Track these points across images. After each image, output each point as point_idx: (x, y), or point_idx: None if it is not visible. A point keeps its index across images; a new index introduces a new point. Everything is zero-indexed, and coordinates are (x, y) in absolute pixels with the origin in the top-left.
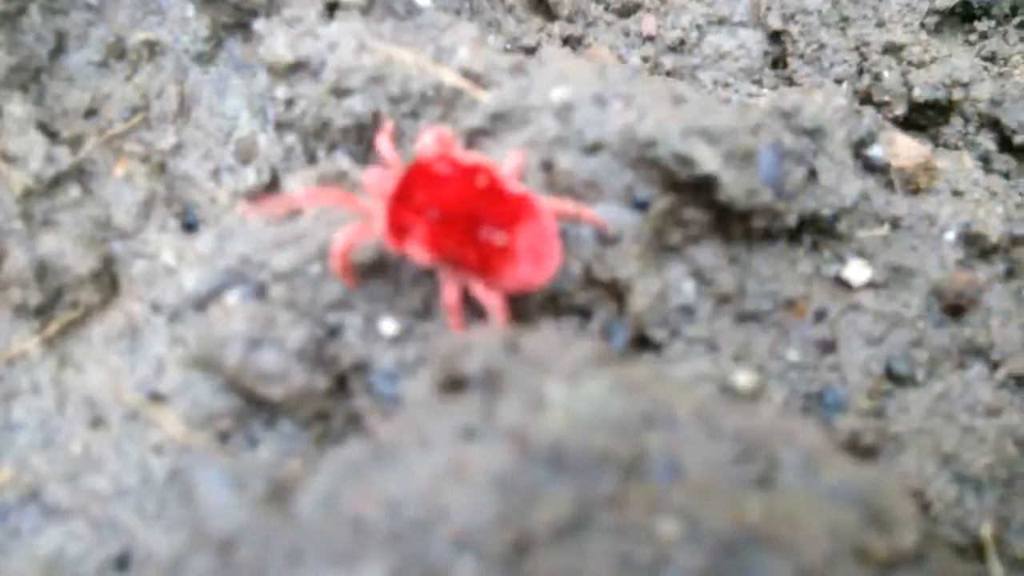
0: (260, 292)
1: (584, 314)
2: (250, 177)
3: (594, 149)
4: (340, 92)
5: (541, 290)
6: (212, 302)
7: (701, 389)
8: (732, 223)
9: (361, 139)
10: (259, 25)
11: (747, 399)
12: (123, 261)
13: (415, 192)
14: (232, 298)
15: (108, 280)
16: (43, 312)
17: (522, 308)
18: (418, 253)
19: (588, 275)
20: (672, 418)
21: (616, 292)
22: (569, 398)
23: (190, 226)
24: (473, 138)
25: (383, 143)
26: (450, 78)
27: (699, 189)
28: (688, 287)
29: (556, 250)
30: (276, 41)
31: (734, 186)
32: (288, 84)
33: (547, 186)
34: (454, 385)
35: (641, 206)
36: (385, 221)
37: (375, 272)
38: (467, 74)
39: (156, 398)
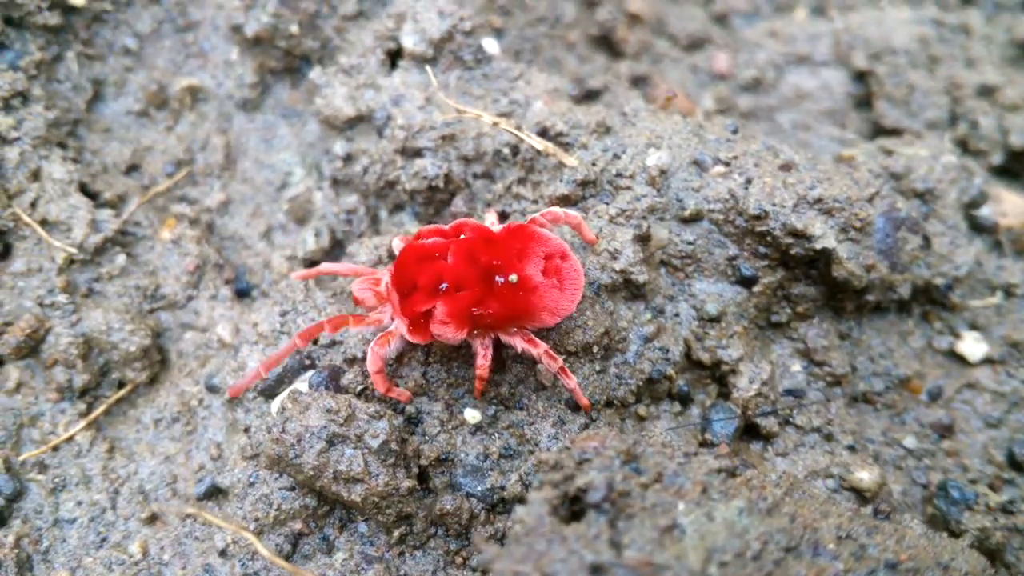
0: (334, 378)
1: (683, 400)
2: (308, 240)
3: (694, 219)
4: (409, 152)
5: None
6: (281, 389)
7: (823, 486)
8: (844, 298)
9: (431, 201)
10: (315, 75)
11: (869, 496)
12: (172, 334)
13: (417, 275)
14: (302, 384)
15: (157, 355)
16: (88, 392)
17: (616, 396)
18: (448, 333)
19: (688, 356)
20: (816, 544)
21: (719, 374)
22: (702, 524)
23: (242, 293)
24: (559, 206)
25: (327, 267)
26: (532, 140)
27: (811, 263)
28: (797, 368)
29: (575, 269)
30: (335, 93)
31: (851, 261)
32: (347, 139)
33: (643, 260)
34: (571, 501)
35: (746, 281)
36: (403, 322)
37: (455, 356)
38: (546, 132)
39: (217, 492)
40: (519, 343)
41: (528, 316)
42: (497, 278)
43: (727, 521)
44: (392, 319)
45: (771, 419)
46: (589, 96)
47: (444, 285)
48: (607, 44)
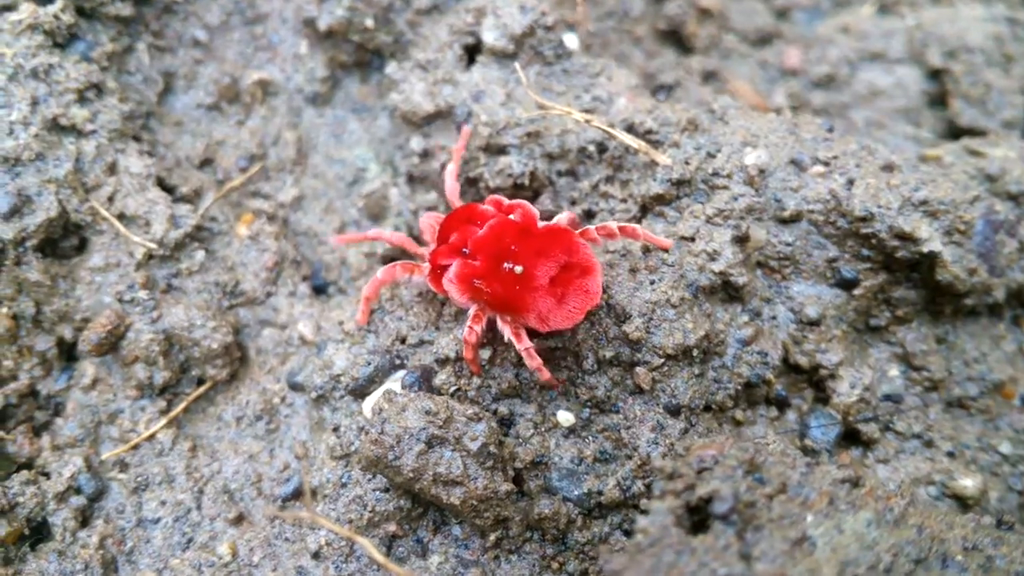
0: (427, 378)
1: (780, 404)
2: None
3: (793, 220)
4: (493, 149)
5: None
6: (372, 389)
7: (925, 493)
8: (943, 302)
9: (513, 198)
10: (391, 70)
11: (971, 503)
12: (250, 330)
13: (455, 231)
14: (395, 385)
15: (237, 352)
16: (167, 388)
17: (715, 401)
18: (452, 292)
19: (785, 360)
20: (944, 556)
21: (816, 379)
22: (832, 536)
23: (319, 289)
24: (651, 206)
25: (451, 173)
26: (624, 137)
27: (914, 266)
28: (895, 373)
29: (588, 289)
30: (412, 88)
31: (955, 265)
32: (423, 135)
33: (742, 262)
34: (693, 512)
35: (846, 284)
36: (427, 265)
37: (548, 358)
38: (634, 129)
39: (306, 493)
40: (507, 332)
41: (518, 312)
42: (506, 263)
43: (856, 533)
44: (425, 260)
45: (872, 425)
46: (660, 91)
47: (466, 250)
48: (675, 38)
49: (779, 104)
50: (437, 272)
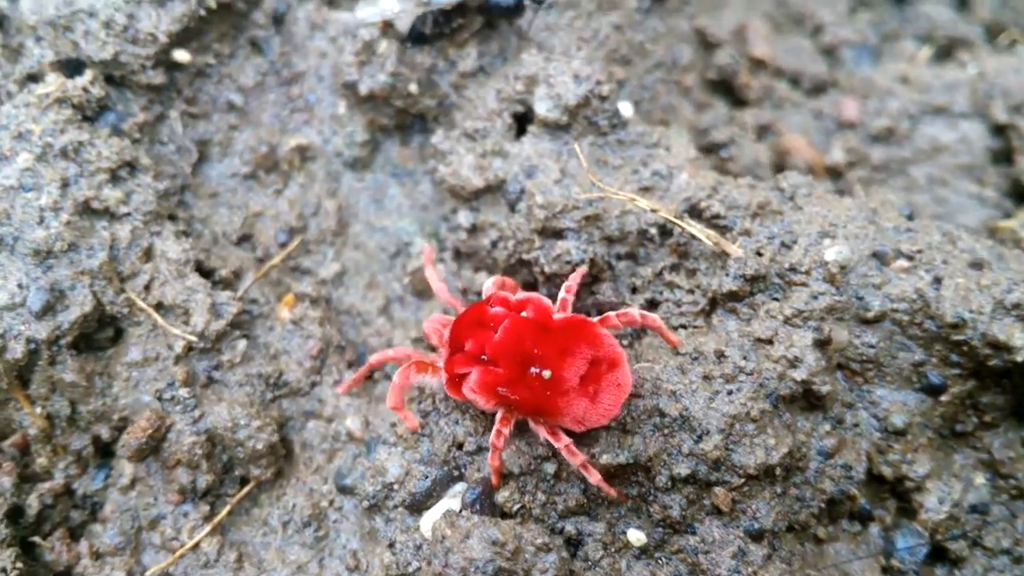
0: (488, 494)
1: (863, 519)
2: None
3: (876, 320)
4: (549, 232)
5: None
6: (429, 503)
7: None
8: None
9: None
10: (437, 139)
11: None
12: (294, 423)
13: (467, 337)
14: (454, 502)
15: (282, 449)
16: (210, 491)
17: (797, 520)
18: (476, 400)
19: (869, 471)
20: None
21: (900, 490)
22: None
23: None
24: (723, 301)
25: (431, 275)
26: (694, 229)
27: (1005, 374)
28: (980, 480)
29: (620, 382)
30: (461, 161)
31: None
32: (471, 208)
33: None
34: None
35: (932, 390)
36: (444, 375)
37: (615, 475)
38: (700, 212)
39: None
40: (542, 432)
41: (551, 416)
42: (532, 368)
43: None
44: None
45: (961, 543)
46: (712, 150)
47: (484, 356)
48: (725, 88)
49: (837, 160)
50: (455, 380)
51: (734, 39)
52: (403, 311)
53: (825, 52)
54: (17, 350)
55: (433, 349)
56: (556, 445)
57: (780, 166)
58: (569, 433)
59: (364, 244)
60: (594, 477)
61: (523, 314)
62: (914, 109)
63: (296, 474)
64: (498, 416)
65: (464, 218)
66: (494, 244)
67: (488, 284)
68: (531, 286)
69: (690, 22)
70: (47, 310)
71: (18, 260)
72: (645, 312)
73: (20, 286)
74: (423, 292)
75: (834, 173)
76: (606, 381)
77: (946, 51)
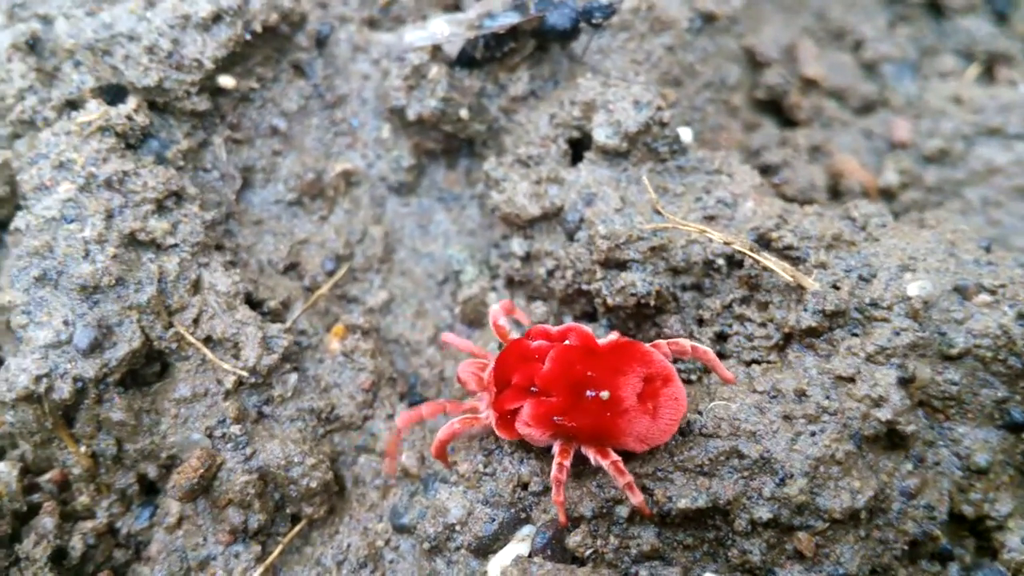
0: (558, 539)
1: (943, 559)
2: (492, 350)
3: (959, 357)
4: (612, 263)
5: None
6: (496, 547)
7: None
8: None
9: (633, 316)
10: (490, 166)
11: None
12: (347, 457)
13: (513, 372)
14: (523, 546)
15: (335, 486)
16: (262, 530)
17: (880, 563)
18: (531, 434)
19: (951, 511)
20: None
21: (980, 529)
22: None
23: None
24: (800, 337)
25: (451, 337)
26: (770, 262)
27: None
28: None
29: (676, 397)
30: (515, 188)
31: None
32: (525, 236)
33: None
34: None
35: (1015, 427)
36: (492, 415)
37: (692, 519)
38: (769, 243)
39: None
40: (591, 455)
41: (612, 438)
42: (588, 392)
43: None
44: (486, 408)
45: None
46: (765, 171)
47: (534, 388)
48: (774, 107)
49: (890, 182)
50: (506, 418)
51: (784, 58)
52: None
53: (866, 67)
54: (64, 390)
55: (464, 396)
56: (604, 462)
57: (834, 188)
58: (625, 457)
59: (411, 271)
60: (637, 498)
61: (566, 342)
62: (968, 130)
63: (349, 511)
64: (556, 449)
65: (518, 246)
66: (550, 273)
67: (495, 307)
68: (590, 316)
69: (738, 41)
70: (94, 347)
71: (63, 295)
72: (697, 344)
73: (66, 323)
74: (474, 320)
75: (887, 195)
76: (663, 396)
77: (987, 68)
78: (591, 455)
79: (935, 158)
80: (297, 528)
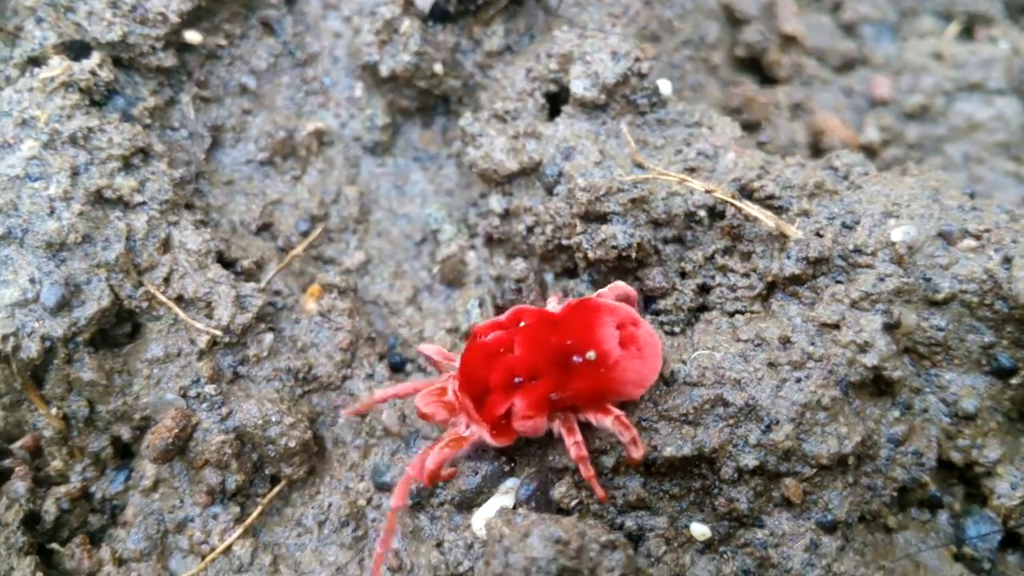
0: (543, 490)
1: (932, 506)
2: (473, 312)
3: (945, 302)
4: (592, 216)
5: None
6: (480, 500)
7: None
8: None
9: (615, 268)
10: (466, 122)
11: None
12: (326, 418)
13: (487, 376)
14: (507, 498)
15: (315, 446)
16: (240, 491)
17: (869, 510)
18: (530, 426)
19: (939, 458)
20: None
21: (969, 476)
22: None
23: (396, 367)
24: (784, 285)
25: (427, 350)
26: (755, 211)
27: None
28: None
29: (650, 333)
30: (492, 144)
31: None
32: (503, 193)
33: (895, 354)
34: None
35: (1002, 372)
36: (483, 428)
37: (678, 468)
38: (751, 193)
39: None
40: (591, 417)
41: (612, 392)
42: (574, 358)
43: None
44: (467, 426)
45: None
46: (746, 129)
47: (518, 379)
48: (754, 65)
49: (871, 139)
50: (501, 424)
51: (763, 15)
52: (433, 300)
53: (845, 28)
54: (32, 348)
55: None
56: (607, 420)
57: (816, 146)
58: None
59: (388, 232)
60: (639, 451)
61: (521, 324)
62: (949, 86)
63: (330, 472)
64: (562, 431)
65: (496, 203)
66: (530, 229)
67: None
68: (571, 273)
69: None
70: (62, 306)
71: (28, 254)
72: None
73: (32, 281)
74: (453, 280)
75: (869, 151)
76: (641, 337)
77: (967, 27)
78: (592, 419)
79: (916, 115)
80: (276, 489)
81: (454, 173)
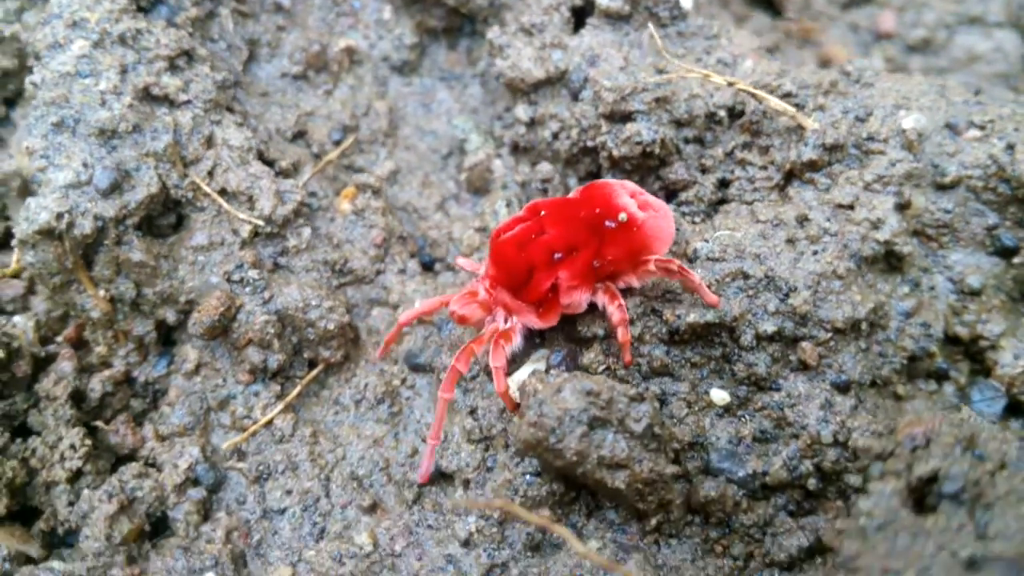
0: (572, 357)
1: (939, 377)
2: (500, 211)
3: (952, 186)
4: (617, 116)
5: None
6: (512, 370)
7: None
8: None
9: (639, 167)
10: (494, 34)
11: None
12: (360, 310)
13: (525, 262)
14: (539, 365)
15: (351, 332)
16: (280, 372)
17: (880, 375)
18: (577, 297)
19: (946, 334)
20: None
21: (973, 351)
22: None
23: (426, 266)
24: (800, 173)
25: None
26: (771, 99)
27: None
28: None
29: (658, 199)
30: (519, 54)
31: None
32: (529, 102)
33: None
34: (913, 491)
35: (1005, 252)
36: (528, 311)
37: (699, 336)
38: (771, 92)
39: (441, 478)
40: (632, 280)
41: (645, 249)
42: (606, 223)
43: None
44: (506, 319)
45: None
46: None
47: (558, 255)
48: (765, 2)
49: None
50: (545, 302)
51: None
52: (460, 208)
53: None
54: (85, 226)
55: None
56: (650, 267)
57: None
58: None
59: (415, 146)
60: (698, 281)
61: (541, 213)
62: (950, 20)
63: (365, 357)
64: (605, 298)
65: (523, 112)
66: (555, 135)
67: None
68: (594, 175)
69: None
70: (113, 188)
71: (81, 141)
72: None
73: (85, 165)
74: (480, 188)
75: None
76: (651, 201)
77: None
78: (634, 280)
79: (919, 47)
80: (316, 371)
81: (479, 92)
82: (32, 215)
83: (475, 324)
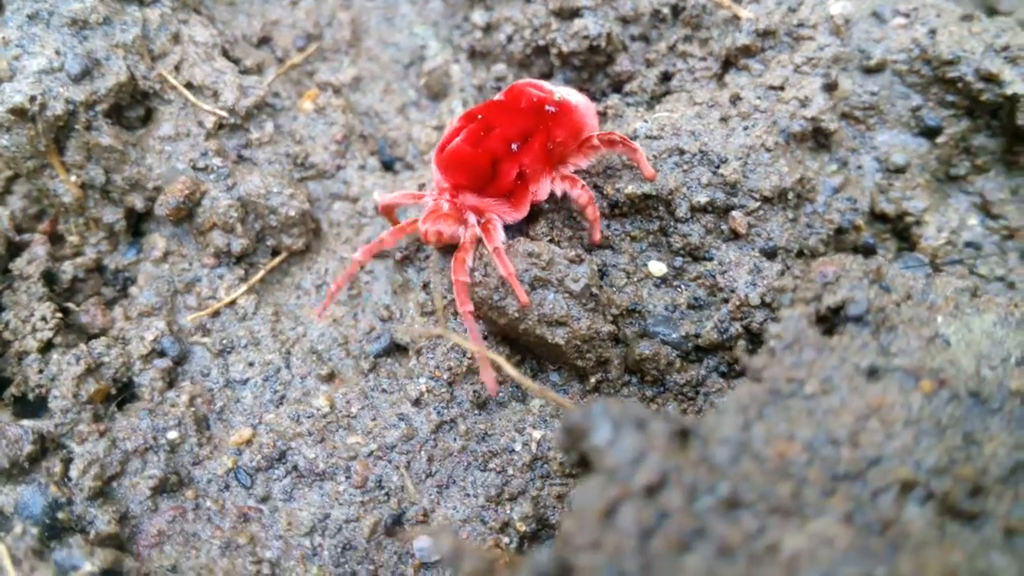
0: (520, 228)
1: (867, 252)
2: (457, 110)
3: (877, 69)
4: (566, 13)
5: None
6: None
7: None
8: (1020, 151)
9: (587, 64)
10: None
11: None
12: (322, 204)
13: (486, 158)
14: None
15: (312, 222)
16: (243, 259)
17: (807, 246)
18: (542, 182)
19: (872, 211)
20: None
21: (900, 227)
22: (964, 334)
23: (387, 165)
24: (736, 59)
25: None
26: None
27: (994, 113)
28: (973, 222)
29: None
30: None
31: None
32: (486, 8)
33: (832, 108)
34: (822, 320)
35: (929, 132)
36: (500, 205)
37: (638, 209)
38: None
39: (396, 350)
40: (581, 161)
41: (585, 127)
42: (547, 107)
43: (985, 332)
44: (478, 221)
45: (957, 268)
46: None
47: (515, 145)
48: None
49: None
50: (516, 191)
51: None
52: (419, 113)
53: None
54: (57, 107)
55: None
56: (595, 142)
57: None
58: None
59: (378, 57)
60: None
61: (479, 117)
62: None
63: (326, 246)
64: (566, 184)
65: (479, 17)
66: (509, 39)
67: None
68: (546, 76)
69: None
70: (84, 74)
71: (54, 32)
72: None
73: (58, 52)
74: (438, 93)
75: None
76: (571, 91)
77: None
78: (582, 161)
79: None
80: (279, 259)
81: (440, 6)
82: (6, 97)
83: (449, 238)
